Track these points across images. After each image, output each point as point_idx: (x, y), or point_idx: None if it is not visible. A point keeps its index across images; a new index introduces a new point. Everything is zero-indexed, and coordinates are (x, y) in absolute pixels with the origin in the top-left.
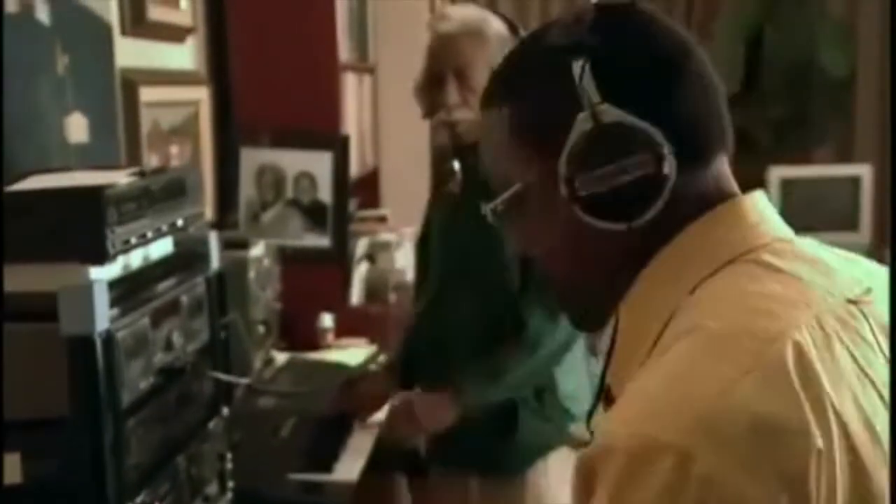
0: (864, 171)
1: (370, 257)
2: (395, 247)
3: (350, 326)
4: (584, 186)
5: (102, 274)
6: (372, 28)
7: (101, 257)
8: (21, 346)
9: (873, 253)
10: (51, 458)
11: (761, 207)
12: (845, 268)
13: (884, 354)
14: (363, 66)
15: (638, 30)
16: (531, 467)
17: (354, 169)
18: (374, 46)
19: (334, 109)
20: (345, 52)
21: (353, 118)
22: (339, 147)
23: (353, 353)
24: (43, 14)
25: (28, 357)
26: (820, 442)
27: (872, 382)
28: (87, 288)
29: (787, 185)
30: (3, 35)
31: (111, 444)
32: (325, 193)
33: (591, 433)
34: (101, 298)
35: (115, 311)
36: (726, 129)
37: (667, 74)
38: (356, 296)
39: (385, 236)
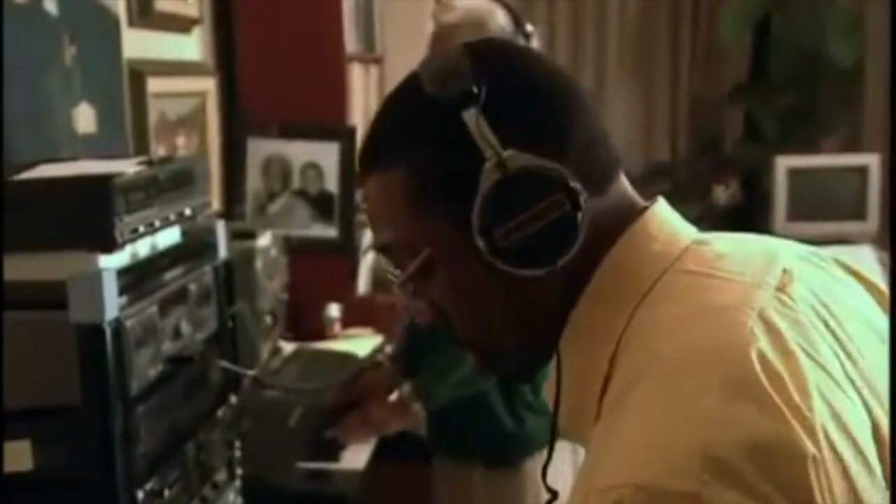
0: (871, 161)
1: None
2: None
3: (357, 316)
4: (503, 238)
5: (111, 262)
6: (378, 19)
7: (110, 246)
8: (31, 334)
9: (880, 242)
10: (61, 445)
11: (667, 214)
12: (756, 254)
13: (830, 333)
14: (370, 56)
15: (520, 68)
16: (530, 458)
17: None
18: (381, 37)
19: (341, 100)
20: (351, 42)
21: (359, 109)
22: (346, 138)
23: (360, 342)
24: (51, 5)
25: (38, 345)
26: (811, 448)
27: (827, 371)
28: (96, 276)
29: (794, 175)
30: (12, 26)
31: (120, 432)
32: (332, 184)
33: (550, 490)
34: (110, 287)
35: (124, 299)
36: (613, 147)
37: (559, 108)
38: (363, 286)
39: None
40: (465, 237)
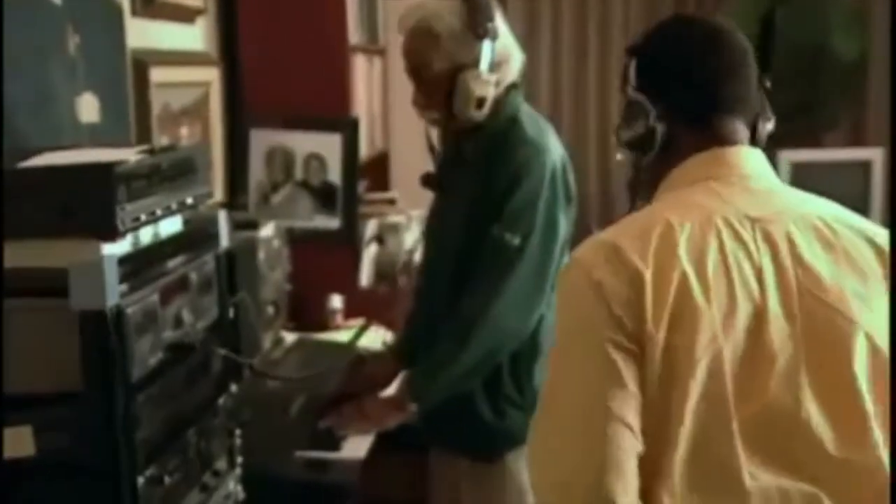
0: (875, 156)
1: (379, 239)
2: (403, 229)
3: (359, 307)
4: (622, 135)
5: (113, 250)
6: (382, 10)
7: (112, 233)
8: (33, 320)
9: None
10: (63, 430)
11: (743, 155)
12: (781, 200)
13: (765, 255)
14: (373, 48)
15: (665, 44)
16: (513, 452)
17: (364, 151)
18: (384, 29)
19: (344, 91)
20: (355, 34)
21: (362, 100)
22: (349, 129)
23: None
24: None
25: (40, 332)
26: (649, 275)
27: (727, 269)
28: (98, 263)
29: (798, 169)
30: (16, 16)
31: (122, 418)
32: (335, 175)
33: None
34: (112, 274)
35: (125, 286)
36: (722, 100)
37: (676, 69)
38: (365, 277)
39: (394, 218)
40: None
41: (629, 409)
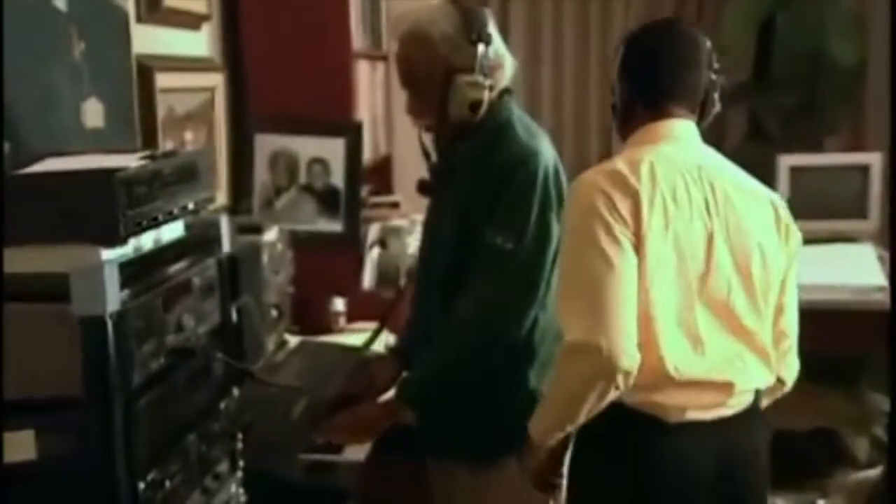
0: (873, 160)
1: (382, 242)
2: (406, 232)
3: (362, 310)
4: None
5: (114, 255)
6: (385, 16)
7: (113, 239)
8: (34, 326)
9: (881, 240)
10: (64, 435)
11: (681, 126)
12: (710, 157)
13: (709, 193)
14: (376, 53)
15: (639, 45)
16: (510, 458)
17: (367, 155)
18: (387, 35)
19: (347, 96)
20: (358, 39)
21: (366, 105)
22: (353, 133)
23: (365, 336)
24: (60, 1)
25: (41, 337)
26: (643, 191)
27: (690, 199)
28: (99, 269)
29: (797, 173)
30: (21, 21)
31: (122, 423)
32: (338, 179)
33: None
34: (113, 280)
35: (127, 292)
36: (669, 87)
37: (642, 62)
38: (368, 280)
39: (397, 222)
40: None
41: (632, 282)
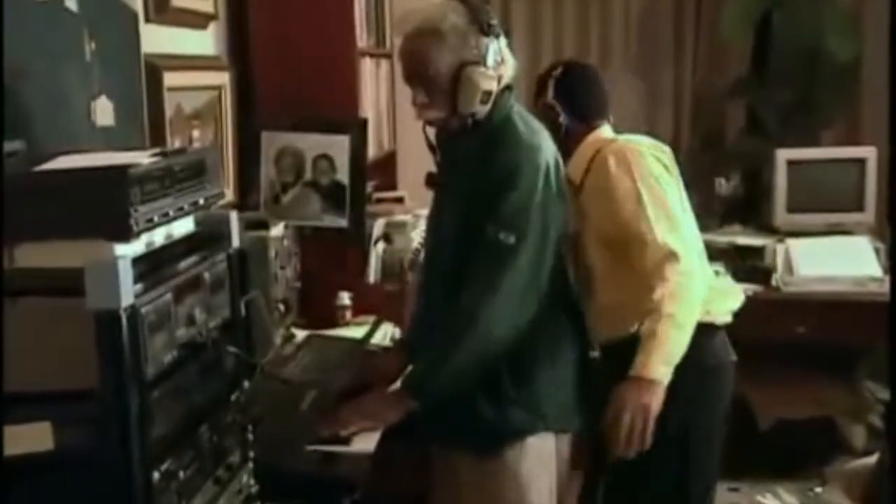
0: (869, 154)
1: (387, 237)
2: (410, 227)
3: (367, 304)
4: None
5: (127, 250)
6: (389, 14)
7: (126, 234)
8: (49, 319)
9: (877, 233)
10: (80, 426)
11: (609, 129)
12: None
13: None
14: (381, 51)
15: (576, 76)
16: (512, 448)
17: (372, 151)
18: (392, 32)
19: (352, 94)
20: (363, 37)
21: (370, 102)
22: (357, 130)
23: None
24: (72, 1)
25: (56, 330)
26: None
27: (657, 179)
28: (113, 264)
29: (794, 167)
30: (34, 21)
31: (137, 415)
32: (344, 175)
33: None
34: (126, 274)
35: (140, 286)
36: (596, 108)
37: (575, 86)
38: (373, 275)
39: (401, 217)
40: None
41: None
